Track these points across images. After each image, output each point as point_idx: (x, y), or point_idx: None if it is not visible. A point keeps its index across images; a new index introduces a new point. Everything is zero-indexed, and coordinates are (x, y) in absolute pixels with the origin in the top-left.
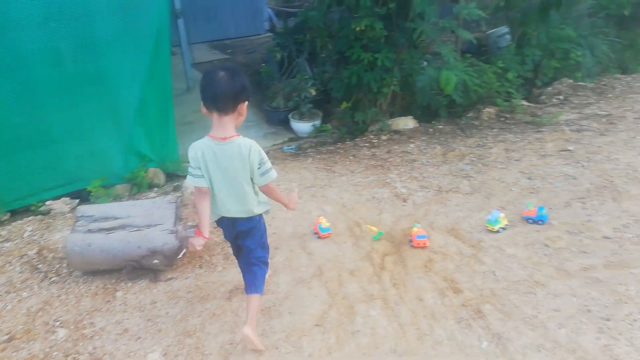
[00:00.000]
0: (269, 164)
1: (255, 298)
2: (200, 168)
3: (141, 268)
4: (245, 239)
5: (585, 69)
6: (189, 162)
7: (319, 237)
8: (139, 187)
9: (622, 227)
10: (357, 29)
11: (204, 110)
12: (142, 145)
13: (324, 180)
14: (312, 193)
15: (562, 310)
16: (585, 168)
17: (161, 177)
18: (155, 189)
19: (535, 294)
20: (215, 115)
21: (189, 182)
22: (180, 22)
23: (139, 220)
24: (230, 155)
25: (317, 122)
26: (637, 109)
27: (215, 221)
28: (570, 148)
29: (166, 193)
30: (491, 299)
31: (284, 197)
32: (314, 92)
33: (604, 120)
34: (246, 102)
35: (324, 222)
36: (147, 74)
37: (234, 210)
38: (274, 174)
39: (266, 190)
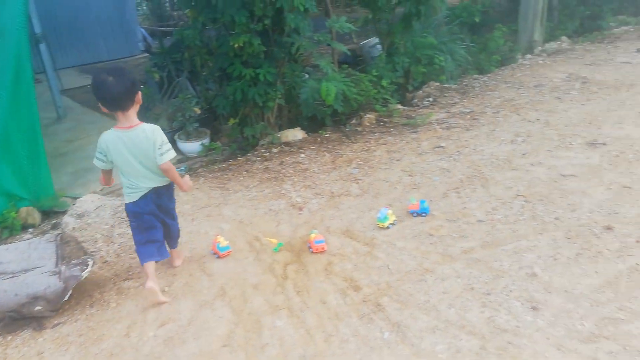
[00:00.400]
0: (168, 146)
1: (179, 247)
2: (106, 155)
3: (22, 318)
4: (167, 202)
5: (448, 72)
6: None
7: (219, 257)
8: (10, 229)
9: (492, 210)
10: (236, 45)
11: (104, 109)
12: (9, 183)
13: (218, 199)
14: (208, 213)
15: (450, 292)
16: (457, 161)
17: (36, 216)
18: (31, 229)
19: (426, 280)
20: (119, 113)
21: (95, 163)
22: (43, 47)
23: (14, 265)
24: (137, 139)
25: (206, 141)
26: (495, 104)
27: (138, 200)
28: (442, 144)
29: (44, 232)
30: (388, 291)
31: (180, 178)
32: (198, 111)
33: (468, 116)
34: (140, 92)
35: (222, 241)
36: (7, 105)
37: (153, 182)
38: (172, 153)
39: (166, 168)
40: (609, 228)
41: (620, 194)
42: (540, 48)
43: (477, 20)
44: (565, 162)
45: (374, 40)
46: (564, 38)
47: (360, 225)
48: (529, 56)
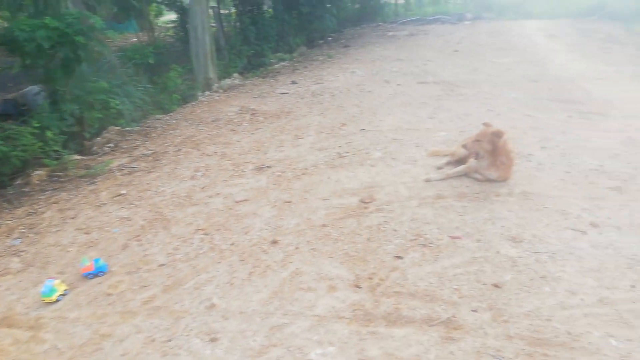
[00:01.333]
0: None
1: None
2: None
3: None
4: None
5: (127, 115)
6: None
7: None
8: None
9: (173, 250)
10: None
11: None
12: None
13: None
14: None
15: (130, 351)
16: (138, 207)
17: None
18: None
19: (103, 347)
20: None
21: None
22: None
23: None
24: None
25: None
26: (176, 142)
27: None
28: (123, 192)
29: None
30: None
31: None
32: None
33: (150, 158)
34: None
35: None
36: None
37: None
38: None
39: None
40: (274, 242)
41: (282, 209)
42: (217, 85)
43: (151, 62)
44: (239, 188)
45: (37, 87)
46: (235, 75)
47: (22, 307)
48: (207, 93)
